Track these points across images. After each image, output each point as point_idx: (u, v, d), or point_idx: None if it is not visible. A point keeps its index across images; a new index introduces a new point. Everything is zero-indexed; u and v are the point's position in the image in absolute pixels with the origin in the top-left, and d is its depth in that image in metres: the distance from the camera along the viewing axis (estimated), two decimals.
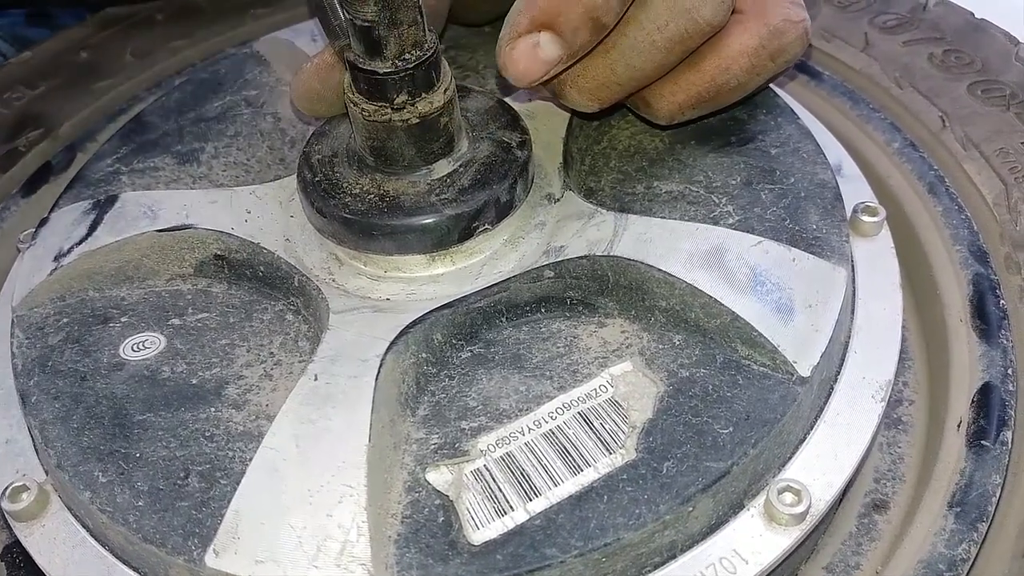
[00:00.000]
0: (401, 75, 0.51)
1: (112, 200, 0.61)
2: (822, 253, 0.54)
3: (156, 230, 0.58)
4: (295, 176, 0.61)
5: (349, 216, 0.54)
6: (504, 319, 0.56)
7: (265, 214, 0.60)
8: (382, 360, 0.50)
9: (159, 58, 0.81)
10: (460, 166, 0.55)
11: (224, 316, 0.57)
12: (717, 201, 0.58)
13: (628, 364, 0.51)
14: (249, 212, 0.60)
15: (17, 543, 0.57)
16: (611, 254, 0.53)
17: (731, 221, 0.56)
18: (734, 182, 0.59)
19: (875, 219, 0.60)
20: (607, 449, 0.47)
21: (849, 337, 0.53)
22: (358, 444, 0.46)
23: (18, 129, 0.77)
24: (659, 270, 0.52)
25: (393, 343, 0.51)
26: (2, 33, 0.97)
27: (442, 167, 0.55)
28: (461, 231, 0.54)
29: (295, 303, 0.58)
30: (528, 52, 0.51)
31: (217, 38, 0.83)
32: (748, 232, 0.54)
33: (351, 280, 0.56)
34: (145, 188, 0.64)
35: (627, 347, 0.52)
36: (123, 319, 0.57)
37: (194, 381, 0.53)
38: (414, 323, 0.52)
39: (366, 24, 0.50)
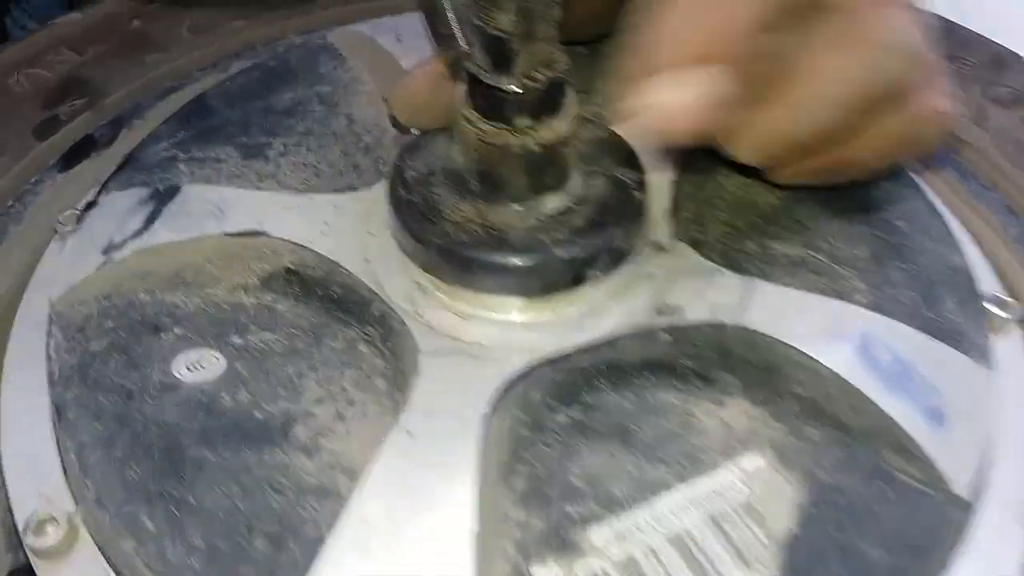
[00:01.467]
0: (528, 96, 0.46)
1: (173, 191, 0.54)
2: (966, 349, 0.49)
3: (225, 233, 0.52)
4: (376, 189, 0.55)
5: (450, 246, 0.48)
6: (605, 382, 0.50)
7: (344, 228, 0.54)
8: (487, 421, 0.44)
9: (217, 36, 0.75)
10: (573, 203, 0.50)
11: (291, 339, 0.51)
12: (845, 275, 0.53)
13: (760, 459, 0.45)
14: (327, 224, 0.53)
15: (27, 569, 0.50)
16: (742, 325, 0.48)
17: (864, 300, 0.51)
18: (861, 255, 0.54)
19: (1006, 314, 0.55)
20: (744, 563, 0.41)
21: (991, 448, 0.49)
22: (463, 530, 0.40)
23: (61, 95, 0.70)
24: (800, 352, 0.46)
25: (498, 401, 0.45)
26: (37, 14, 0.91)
27: (553, 202, 0.49)
28: (571, 277, 0.48)
29: (371, 333, 0.52)
30: (678, 93, 0.45)
31: (282, 23, 0.77)
32: (888, 316, 0.49)
33: (437, 315, 0.50)
34: (206, 181, 0.58)
35: (755, 436, 0.46)
36: (177, 330, 0.51)
37: (258, 415, 0.47)
38: (518, 378, 0.46)
39: (498, 35, 0.44)
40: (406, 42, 0.65)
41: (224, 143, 0.60)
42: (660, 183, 0.56)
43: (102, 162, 0.67)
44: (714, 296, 0.50)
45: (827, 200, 0.58)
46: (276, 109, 0.63)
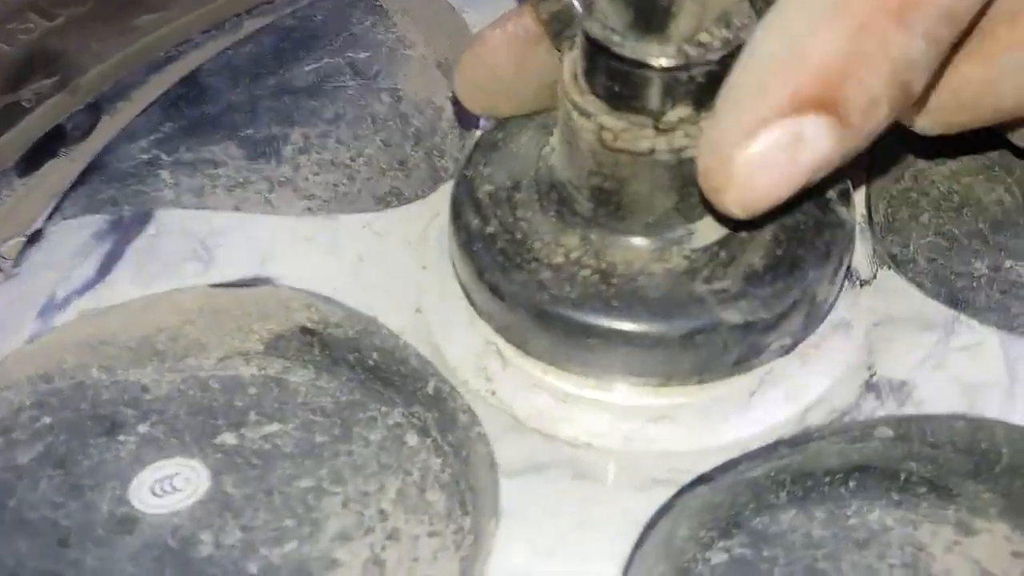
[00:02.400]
0: (695, 74, 0.28)
1: (142, 219, 0.38)
2: None
3: (211, 284, 0.35)
4: (433, 200, 0.38)
5: (549, 306, 0.31)
6: (784, 495, 0.33)
7: (385, 263, 0.37)
8: None
9: None
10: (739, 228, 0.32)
11: (307, 431, 0.35)
12: None
13: None
14: (362, 260, 0.37)
15: None
16: (1015, 421, 0.30)
17: None
18: None
19: None
20: None
21: None
22: None
23: (23, 74, 0.54)
24: None
25: (629, 561, 0.28)
26: None
27: (710, 228, 0.32)
28: (744, 349, 0.31)
29: (422, 417, 0.35)
30: (779, 154, 0.26)
31: None
32: None
33: (523, 397, 0.33)
34: (196, 193, 0.42)
35: None
36: (142, 428, 0.35)
37: (253, 568, 0.31)
38: (660, 512, 0.29)
39: None
40: None
41: (224, 138, 0.44)
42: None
43: (76, 163, 0.51)
44: (961, 366, 0.32)
45: None
46: (295, 86, 0.46)
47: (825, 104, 0.26)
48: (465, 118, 0.40)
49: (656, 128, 0.29)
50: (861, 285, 0.36)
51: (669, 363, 0.31)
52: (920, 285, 0.39)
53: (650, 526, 0.29)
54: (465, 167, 0.35)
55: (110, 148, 0.44)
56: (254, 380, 0.36)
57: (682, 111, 0.29)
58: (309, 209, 0.42)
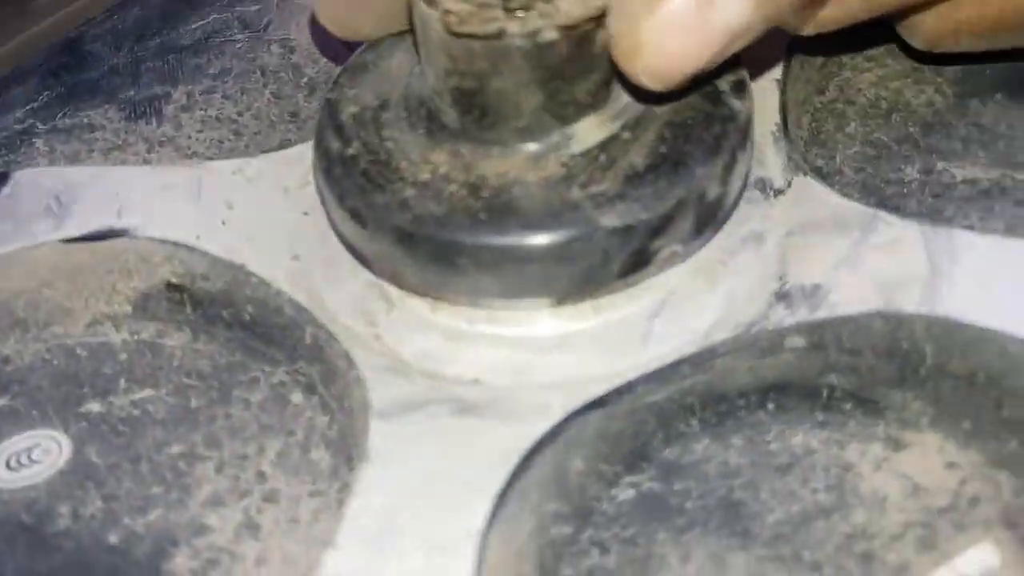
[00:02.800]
0: None
1: None
2: None
3: (63, 239, 0.33)
4: (312, 144, 0.35)
5: (412, 226, 0.28)
6: (696, 422, 0.30)
7: (259, 210, 0.34)
8: (485, 534, 0.24)
9: None
10: (623, 128, 0.29)
11: (182, 395, 0.32)
12: None
13: (991, 551, 0.25)
14: (231, 208, 0.34)
15: None
16: (938, 314, 0.27)
17: None
18: None
19: None
20: None
21: None
22: None
23: None
24: None
25: (503, 495, 0.25)
26: None
27: (589, 130, 0.29)
28: (628, 257, 0.28)
29: (306, 372, 0.32)
30: (690, 16, 0.24)
31: None
32: None
33: (410, 338, 0.30)
34: (71, 159, 0.39)
35: (971, 504, 0.26)
36: (1, 401, 0.32)
37: (113, 538, 0.28)
38: (543, 441, 0.26)
39: None
40: None
41: (103, 102, 0.41)
42: (759, 85, 0.35)
43: None
44: (879, 262, 0.29)
45: (1020, 91, 0.37)
46: (180, 45, 0.44)
47: None
48: (329, 49, 0.37)
49: (505, 9, 0.26)
50: (775, 195, 0.33)
51: (548, 279, 0.28)
52: (848, 196, 0.36)
53: (530, 456, 0.26)
54: (330, 91, 0.32)
55: None
56: (126, 346, 0.34)
57: None
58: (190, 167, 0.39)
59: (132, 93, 0.42)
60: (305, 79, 0.42)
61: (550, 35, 0.26)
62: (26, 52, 0.54)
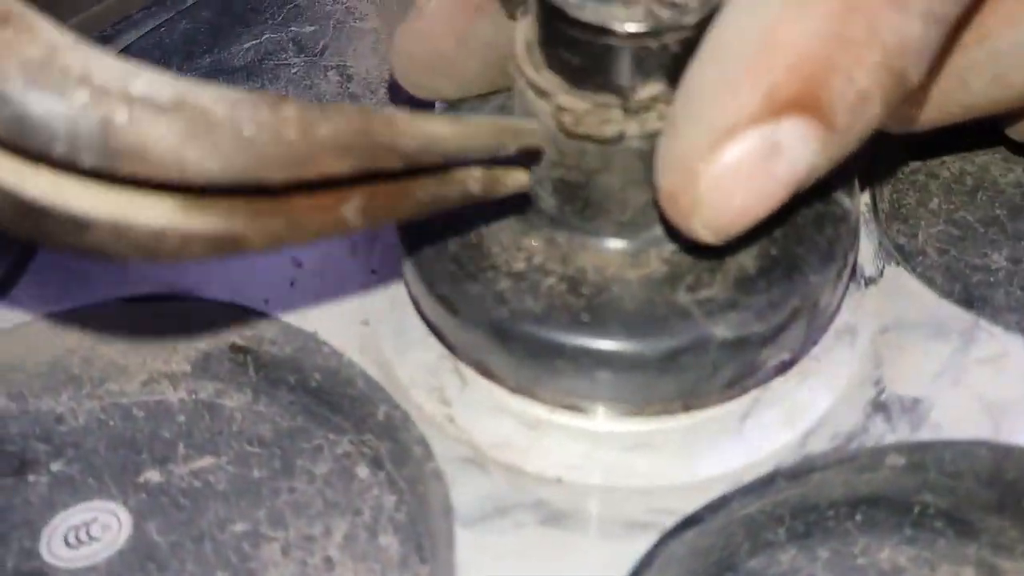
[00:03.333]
0: (668, 41, 0.24)
1: None
2: None
3: (123, 298, 0.31)
4: None
5: (508, 321, 0.27)
6: (783, 531, 0.29)
7: (327, 268, 0.32)
8: None
9: None
10: None
11: (243, 464, 0.31)
12: None
13: None
14: (300, 266, 0.32)
15: None
16: None
17: None
18: None
19: None
20: None
21: None
22: None
23: None
24: None
25: None
26: None
27: None
28: (737, 368, 0.27)
29: (374, 446, 0.31)
30: (754, 167, 0.22)
31: None
32: None
33: (485, 423, 0.29)
34: None
35: None
36: (55, 466, 0.31)
37: None
38: (640, 566, 0.25)
39: None
40: None
41: None
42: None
43: None
44: (983, 379, 0.28)
45: None
46: (232, 65, 0.42)
47: (805, 104, 0.22)
48: (407, 102, 0.35)
49: (624, 109, 0.24)
50: (866, 284, 0.32)
51: (649, 386, 0.27)
52: (931, 281, 0.34)
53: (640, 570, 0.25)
54: None
55: None
56: (183, 406, 0.32)
57: (655, 88, 0.24)
58: None
59: None
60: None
61: None
62: None
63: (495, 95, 0.31)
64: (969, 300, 0.34)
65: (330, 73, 0.42)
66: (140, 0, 0.53)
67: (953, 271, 0.35)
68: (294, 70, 0.42)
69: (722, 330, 0.26)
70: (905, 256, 0.35)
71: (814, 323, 0.27)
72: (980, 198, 0.37)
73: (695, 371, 0.26)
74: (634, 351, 0.26)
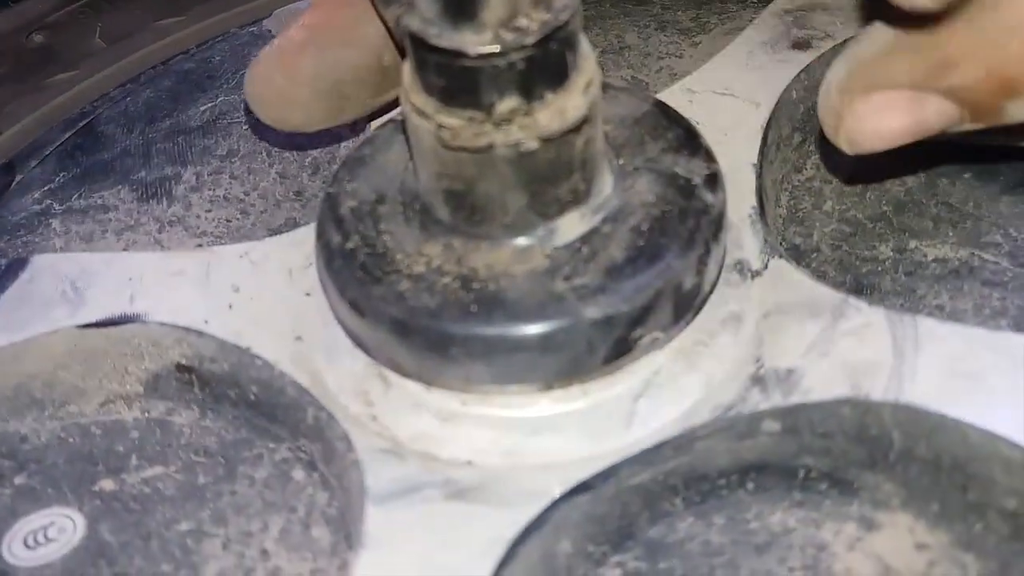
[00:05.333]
0: (514, 60, 0.27)
1: (17, 267, 0.37)
2: None
3: (78, 325, 0.34)
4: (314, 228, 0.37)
5: (406, 316, 0.30)
6: (679, 501, 0.31)
7: (264, 293, 0.36)
8: None
9: (139, 43, 0.58)
10: (604, 222, 0.31)
11: (190, 472, 0.34)
12: None
13: None
14: (237, 290, 0.36)
15: None
16: (903, 402, 0.29)
17: None
18: None
19: None
20: None
21: None
22: None
23: None
24: (1005, 439, 0.27)
25: (504, 566, 0.27)
26: None
27: (571, 225, 0.30)
28: (611, 346, 0.30)
29: (308, 449, 0.34)
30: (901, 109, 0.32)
31: (223, 14, 0.59)
32: None
33: (405, 419, 0.32)
34: (85, 239, 0.41)
35: None
36: (18, 479, 0.34)
37: None
38: (531, 528, 0.28)
39: None
40: None
41: (116, 183, 0.44)
42: (736, 168, 0.37)
43: None
44: (848, 350, 0.30)
45: (987, 172, 0.38)
46: (190, 127, 0.46)
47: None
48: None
49: (490, 121, 0.28)
50: (752, 277, 0.34)
51: (535, 366, 0.29)
52: (824, 274, 0.37)
53: (519, 542, 0.27)
54: (330, 185, 0.34)
55: (3, 201, 0.43)
56: (137, 424, 0.35)
57: (511, 102, 0.27)
58: (199, 246, 0.41)
59: (144, 174, 0.44)
60: (309, 159, 0.44)
61: (531, 145, 0.28)
62: (43, 126, 0.56)
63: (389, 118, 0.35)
64: (859, 289, 0.37)
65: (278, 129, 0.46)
66: (114, 80, 0.58)
67: (845, 264, 0.38)
68: (245, 127, 0.46)
69: (593, 311, 0.29)
70: (800, 254, 0.38)
71: (680, 304, 0.30)
72: (869, 198, 0.40)
73: (573, 349, 0.29)
74: (516, 334, 0.29)
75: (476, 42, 0.27)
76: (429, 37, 0.27)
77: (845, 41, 0.40)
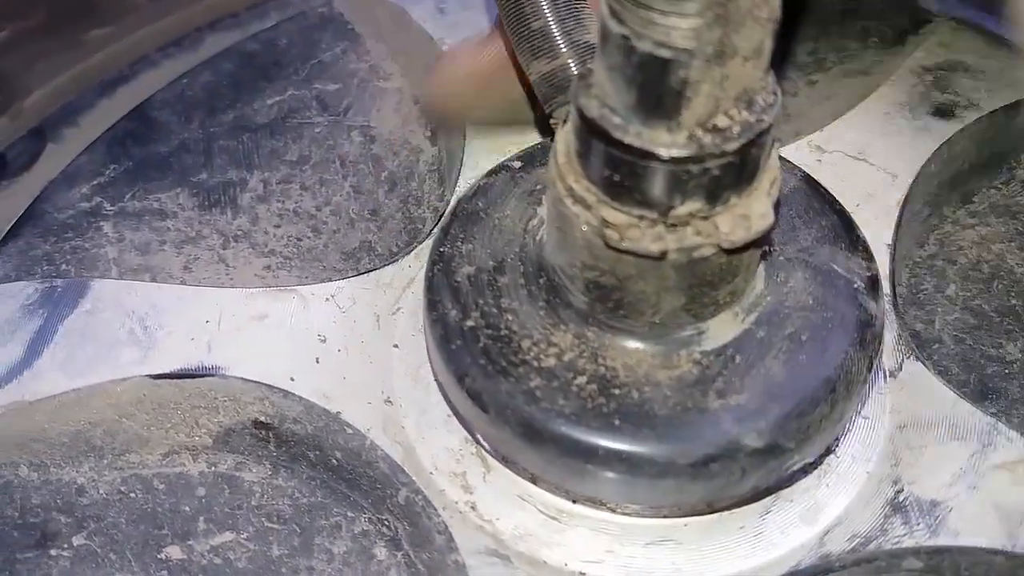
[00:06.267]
0: (710, 166, 0.24)
1: (77, 292, 0.33)
2: None
3: (151, 375, 0.31)
4: (411, 259, 0.34)
5: (540, 421, 0.27)
6: None
7: (351, 344, 0.33)
8: None
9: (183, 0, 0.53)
10: (757, 324, 0.28)
11: (262, 541, 0.31)
12: None
13: None
14: (324, 340, 0.32)
15: None
16: None
17: None
18: None
19: None
20: None
21: None
22: None
23: None
24: None
25: None
26: None
27: (723, 326, 0.27)
28: (763, 475, 0.27)
29: (392, 527, 0.31)
30: None
31: None
32: None
33: (507, 512, 0.29)
34: (141, 251, 0.37)
35: None
36: (76, 539, 0.31)
37: None
38: None
39: (663, 55, 0.22)
40: (451, 14, 0.42)
41: (174, 183, 0.40)
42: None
43: (18, 198, 0.46)
44: (1001, 487, 0.28)
45: None
46: (255, 123, 0.42)
47: None
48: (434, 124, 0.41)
49: (666, 225, 0.25)
50: (885, 378, 0.32)
51: (678, 491, 0.27)
52: (946, 370, 0.35)
53: None
54: (441, 242, 0.30)
55: (47, 193, 0.39)
56: (203, 479, 0.32)
57: (693, 205, 0.24)
58: (268, 267, 0.37)
59: (205, 176, 0.40)
60: (386, 173, 0.41)
61: (706, 252, 0.25)
62: (76, 88, 0.52)
63: (524, 173, 0.31)
64: (984, 393, 0.34)
65: (354, 133, 0.42)
66: (155, 40, 0.53)
67: (969, 361, 0.35)
68: (317, 130, 0.42)
69: (753, 439, 0.26)
70: (921, 343, 0.36)
71: (839, 428, 0.28)
72: (996, 287, 0.37)
73: (724, 478, 0.26)
74: (665, 458, 0.26)
75: (670, 143, 0.23)
76: (612, 129, 0.24)
77: (993, 112, 0.37)
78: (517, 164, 0.32)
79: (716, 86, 0.23)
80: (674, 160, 0.23)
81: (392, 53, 0.44)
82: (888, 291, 0.34)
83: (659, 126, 0.23)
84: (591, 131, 0.24)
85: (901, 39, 0.42)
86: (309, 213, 0.40)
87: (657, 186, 0.24)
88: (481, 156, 0.37)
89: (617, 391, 0.27)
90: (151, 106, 0.43)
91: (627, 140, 0.23)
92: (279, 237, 0.39)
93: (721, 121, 0.23)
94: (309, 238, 0.39)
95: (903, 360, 0.32)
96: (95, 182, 0.40)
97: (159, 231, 0.38)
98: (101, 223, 0.39)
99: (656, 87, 0.23)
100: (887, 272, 0.34)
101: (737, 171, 0.24)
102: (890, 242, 0.35)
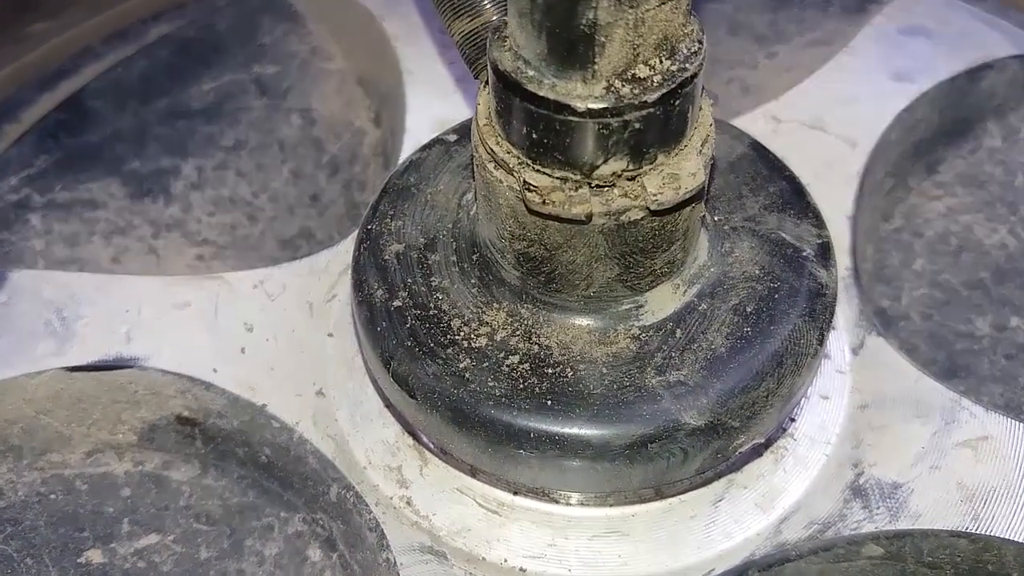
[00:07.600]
0: (629, 119, 0.22)
1: None
2: None
3: (67, 367, 0.29)
4: (347, 244, 0.32)
5: (469, 404, 0.25)
6: None
7: (281, 333, 0.31)
8: None
9: None
10: (700, 297, 0.26)
11: (190, 541, 0.29)
12: None
13: None
14: (251, 329, 0.31)
15: None
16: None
17: None
18: None
19: None
20: None
21: None
22: None
23: None
24: None
25: None
26: None
27: (663, 299, 0.26)
28: (708, 456, 0.25)
29: (327, 525, 0.29)
30: None
31: None
32: None
33: (444, 507, 0.28)
34: (69, 243, 0.36)
35: None
36: None
37: None
38: None
39: None
40: None
41: (105, 172, 0.38)
42: (828, 221, 0.32)
43: None
44: (964, 465, 0.26)
45: None
46: (191, 109, 0.40)
47: None
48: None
49: (591, 185, 0.23)
50: (845, 356, 0.30)
51: (617, 475, 0.25)
52: (914, 347, 0.33)
53: None
54: (369, 220, 0.28)
55: None
56: (129, 479, 0.31)
57: (617, 164, 0.23)
58: (200, 257, 0.36)
59: (137, 165, 0.38)
60: (327, 157, 0.39)
61: (635, 216, 0.23)
62: (17, 82, 0.50)
63: (456, 143, 0.30)
64: (954, 370, 0.33)
65: (293, 116, 0.40)
66: (99, 31, 0.51)
67: (937, 337, 0.34)
68: (255, 114, 0.40)
69: (693, 417, 0.24)
70: (888, 320, 0.34)
71: (789, 405, 0.26)
72: (964, 259, 0.35)
73: (664, 460, 0.25)
74: (600, 439, 0.24)
75: (585, 94, 0.22)
76: (525, 81, 0.22)
77: (954, 78, 0.35)
78: (452, 137, 0.30)
79: (630, 30, 0.21)
80: (591, 112, 0.22)
81: (333, 34, 0.42)
82: (849, 264, 0.32)
83: (574, 77, 0.22)
84: (506, 86, 0.22)
85: (862, 6, 0.40)
86: (245, 200, 0.38)
87: (577, 143, 0.22)
88: (424, 134, 0.36)
89: (550, 370, 0.25)
90: (84, 96, 0.41)
91: (541, 93, 0.22)
92: (213, 225, 0.37)
93: (641, 71, 0.22)
94: (245, 226, 0.37)
95: (865, 337, 0.30)
96: (24, 174, 0.38)
97: (88, 222, 0.37)
98: (29, 215, 0.37)
99: (565, 31, 0.21)
100: (848, 245, 0.32)
101: (662, 125, 0.22)
102: (851, 214, 0.33)
